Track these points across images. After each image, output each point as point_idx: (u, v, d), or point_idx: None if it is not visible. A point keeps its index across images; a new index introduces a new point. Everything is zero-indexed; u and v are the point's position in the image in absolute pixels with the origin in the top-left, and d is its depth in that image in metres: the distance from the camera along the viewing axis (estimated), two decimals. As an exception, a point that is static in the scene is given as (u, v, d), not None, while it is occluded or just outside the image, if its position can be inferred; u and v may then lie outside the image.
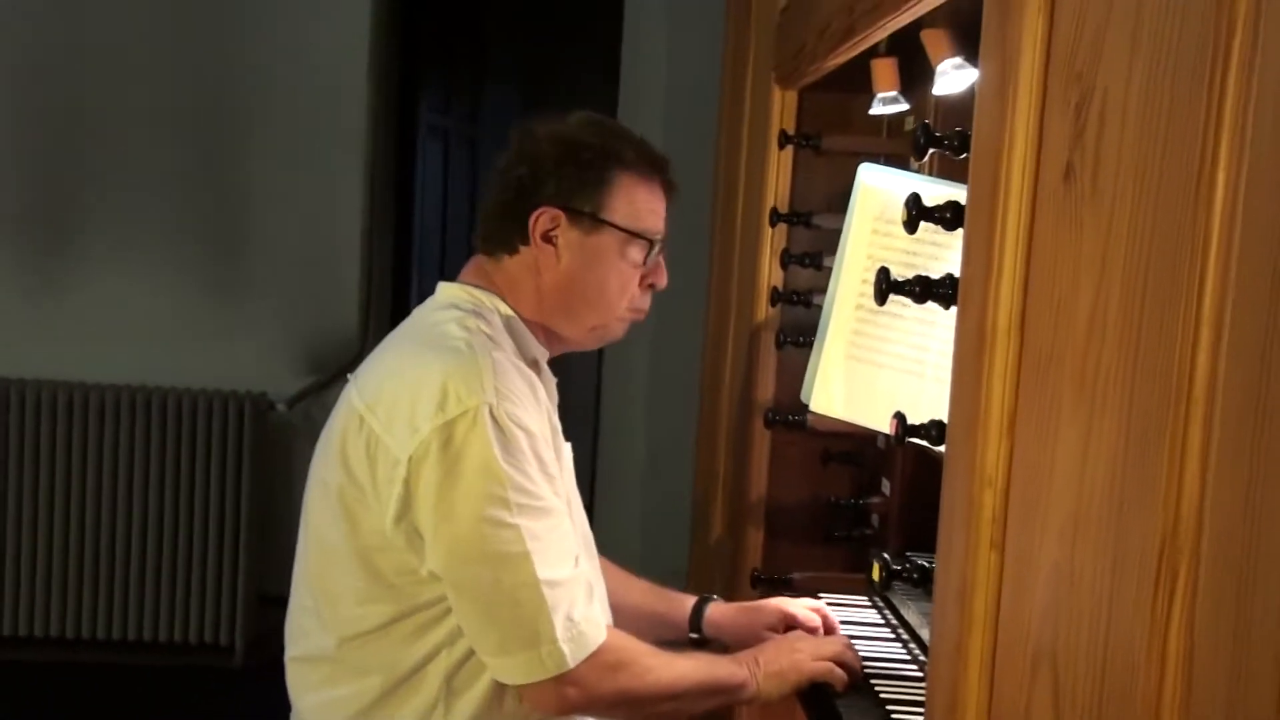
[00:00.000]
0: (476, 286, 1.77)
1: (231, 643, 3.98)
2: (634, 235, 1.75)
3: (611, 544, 3.64)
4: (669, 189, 1.82)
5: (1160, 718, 0.75)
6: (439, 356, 1.61)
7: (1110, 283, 0.89)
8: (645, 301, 1.83)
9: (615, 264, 1.76)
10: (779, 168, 2.37)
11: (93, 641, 3.97)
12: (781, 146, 2.35)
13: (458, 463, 1.55)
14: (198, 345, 4.10)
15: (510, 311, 1.75)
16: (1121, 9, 0.90)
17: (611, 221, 1.74)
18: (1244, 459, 0.68)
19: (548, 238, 1.73)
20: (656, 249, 1.79)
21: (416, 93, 4.86)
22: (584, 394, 4.61)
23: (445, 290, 1.79)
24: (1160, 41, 0.84)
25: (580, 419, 4.68)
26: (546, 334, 1.79)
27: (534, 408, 1.64)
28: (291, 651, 1.76)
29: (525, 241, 1.74)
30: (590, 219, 1.73)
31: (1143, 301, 0.83)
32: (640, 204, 1.76)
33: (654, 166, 1.79)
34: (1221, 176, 0.76)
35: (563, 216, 1.73)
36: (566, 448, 1.85)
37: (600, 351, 4.29)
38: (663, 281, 1.83)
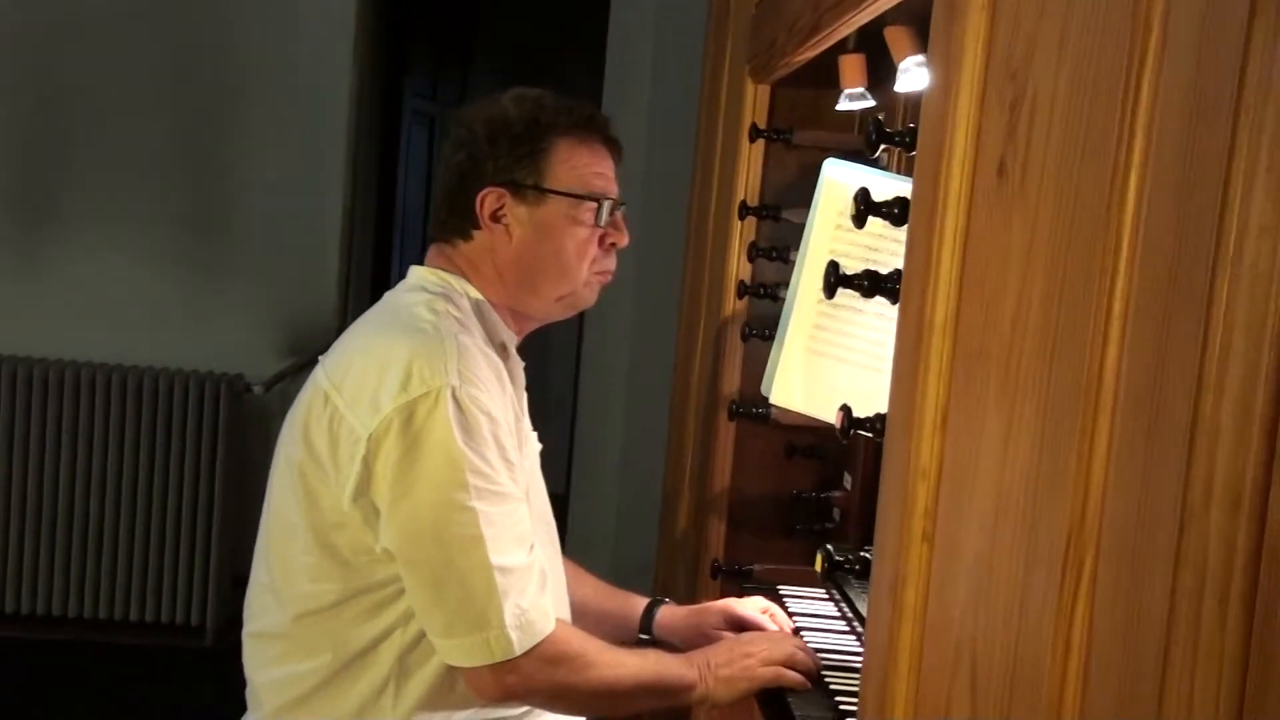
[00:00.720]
0: (445, 270, 1.78)
1: (203, 622, 3.99)
2: (581, 198, 1.76)
3: (586, 535, 3.66)
4: (612, 147, 1.82)
5: (1063, 704, 0.76)
6: (406, 337, 1.63)
7: (1033, 279, 0.90)
8: (610, 262, 1.83)
9: (568, 230, 1.76)
10: (750, 161, 2.38)
11: (64, 620, 3.97)
12: (753, 140, 2.36)
13: (417, 443, 1.56)
14: (175, 325, 4.10)
15: (478, 295, 1.76)
16: (1053, 10, 0.92)
17: (555, 189, 1.74)
18: (1139, 452, 0.69)
19: (496, 217, 1.74)
20: (608, 208, 1.78)
21: (402, 77, 4.86)
22: (562, 385, 4.63)
23: (416, 273, 1.80)
24: (1085, 42, 0.85)
25: (558, 410, 4.70)
26: (514, 315, 1.80)
27: (498, 393, 1.64)
28: (249, 627, 1.77)
29: (477, 225, 1.75)
30: (534, 191, 1.74)
31: (1060, 298, 0.84)
32: (582, 167, 1.76)
33: (589, 127, 1.79)
34: (1134, 178, 0.77)
35: (507, 194, 1.74)
36: (532, 437, 1.85)
37: (579, 343, 4.31)
38: (623, 240, 1.82)
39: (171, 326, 4.09)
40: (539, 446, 1.88)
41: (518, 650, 1.60)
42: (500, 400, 1.64)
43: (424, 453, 1.56)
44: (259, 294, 4.13)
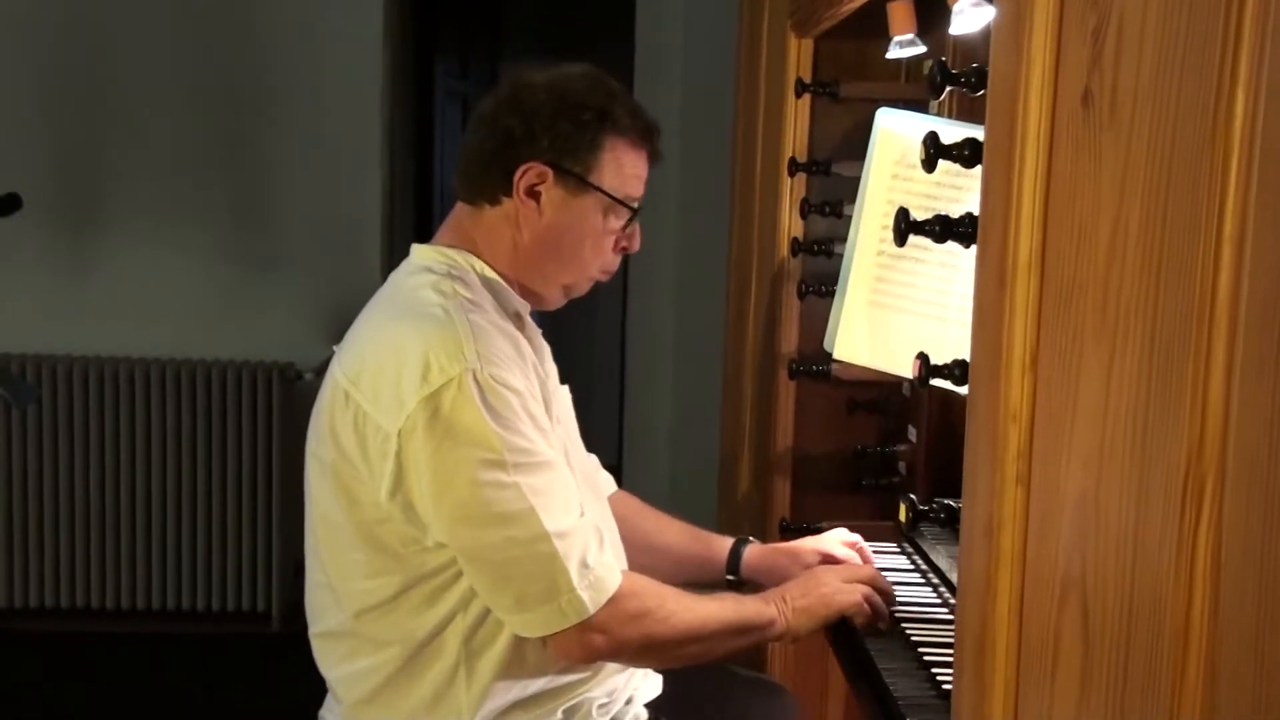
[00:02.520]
0: (451, 247, 1.75)
1: (268, 609, 4.03)
2: (617, 202, 1.74)
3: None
4: (655, 158, 1.80)
5: (1189, 631, 0.75)
6: (417, 325, 1.60)
7: (1130, 208, 0.88)
8: (615, 264, 1.82)
9: (595, 227, 1.74)
10: (796, 117, 2.36)
11: (131, 612, 4.02)
12: (798, 95, 2.33)
13: (448, 433, 1.54)
14: (224, 318, 4.12)
15: (486, 270, 1.73)
16: (1137, -70, 0.90)
17: (598, 186, 1.72)
18: (1268, 370, 0.68)
19: (532, 193, 1.71)
20: (635, 216, 1.77)
21: (433, 58, 4.85)
22: (609, 357, 4.63)
23: (419, 253, 1.77)
24: (1176, -40, 0.83)
25: (606, 382, 4.71)
26: (521, 290, 1.78)
27: (518, 364, 1.63)
28: (314, 628, 1.77)
29: (508, 194, 1.72)
30: (578, 180, 1.71)
31: (1163, 224, 0.82)
32: (627, 170, 1.75)
33: (645, 135, 1.77)
34: (1241, 95, 0.76)
35: (550, 174, 1.71)
36: (563, 391, 1.85)
37: (624, 310, 4.30)
38: (636, 246, 1.81)
39: (220, 319, 4.12)
40: (569, 400, 1.88)
41: (591, 609, 1.60)
42: (522, 371, 1.63)
43: (457, 442, 1.55)
44: (304, 282, 4.14)
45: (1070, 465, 0.99)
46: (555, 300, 1.82)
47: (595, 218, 1.74)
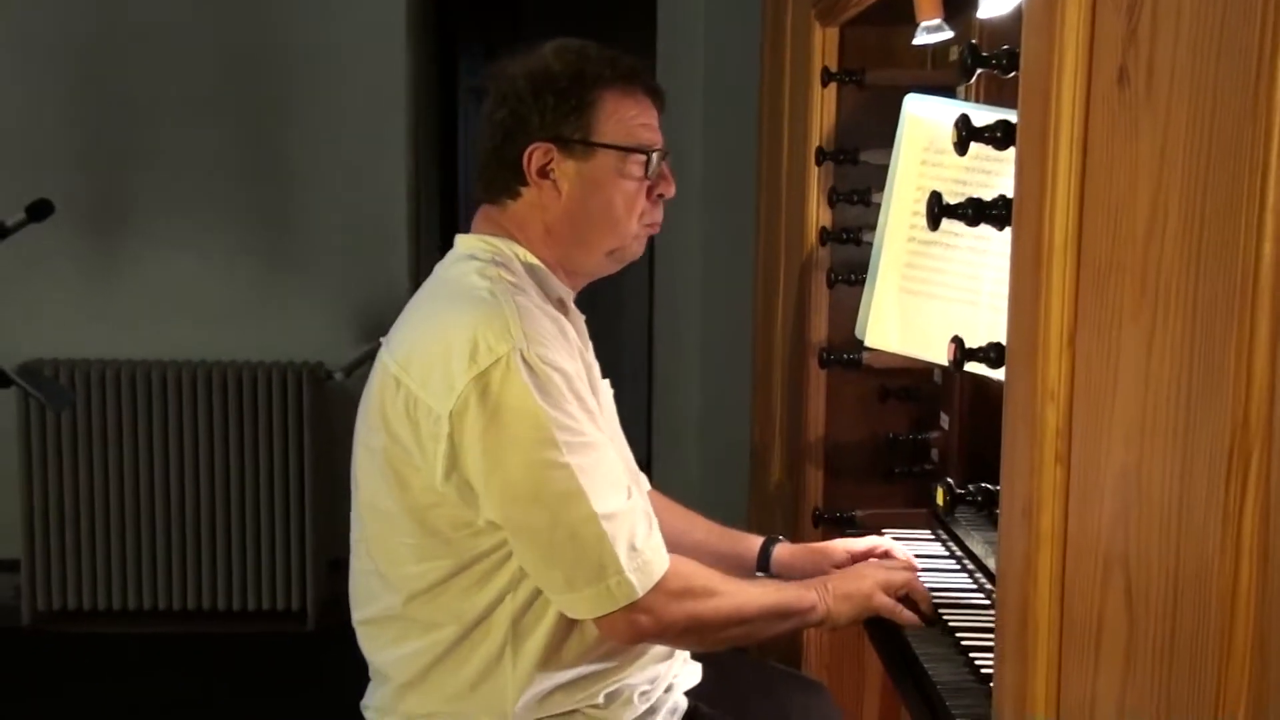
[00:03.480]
0: (492, 235, 1.77)
1: (304, 607, 4.05)
2: (630, 151, 1.74)
3: (670, 497, 3.64)
4: (655, 96, 1.79)
5: (1235, 604, 0.75)
6: (464, 308, 1.62)
7: (1170, 182, 0.88)
8: (658, 214, 1.81)
9: (617, 184, 1.74)
10: (823, 106, 2.36)
11: (168, 613, 4.05)
12: (824, 84, 2.33)
13: (499, 411, 1.56)
14: (254, 319, 4.15)
15: (529, 256, 1.75)
16: (1170, -95, 0.89)
17: (603, 143, 1.72)
18: (1313, 342, 0.68)
19: (544, 173, 1.72)
20: (656, 160, 1.76)
21: (456, 56, 4.87)
22: (636, 347, 4.63)
23: (463, 242, 1.79)
24: (1212, -66, 0.83)
25: (634, 379, 4.71)
26: (566, 273, 1.79)
27: (564, 347, 1.64)
28: (359, 615, 1.79)
29: (524, 182, 1.73)
30: (582, 145, 1.72)
31: (1204, 197, 0.82)
32: (628, 119, 1.74)
33: (632, 78, 1.76)
34: (1280, 65, 0.76)
35: (554, 149, 1.71)
36: (605, 385, 1.86)
37: (650, 303, 4.31)
38: (671, 191, 1.80)
39: (250, 320, 4.14)
40: (611, 395, 1.89)
41: (640, 591, 1.61)
42: (568, 354, 1.64)
43: (507, 420, 1.56)
44: (333, 281, 4.16)
45: (1111, 442, 0.99)
46: (606, 267, 1.81)
47: (614, 175, 1.74)
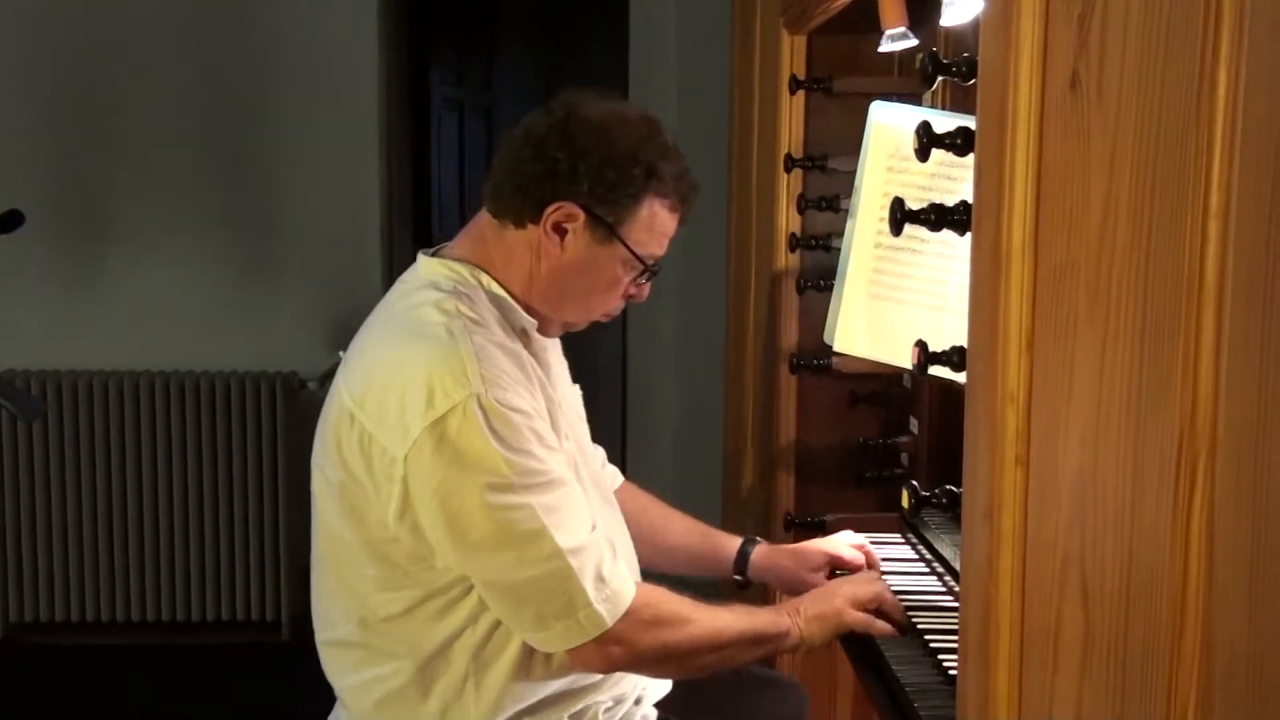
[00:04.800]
0: (461, 261, 1.73)
1: (278, 618, 4.04)
2: (639, 259, 1.73)
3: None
4: (685, 219, 1.79)
5: (1185, 601, 0.76)
6: (420, 347, 1.59)
7: (1119, 187, 0.90)
8: (619, 309, 1.82)
9: (612, 276, 1.73)
10: (791, 113, 2.38)
11: (141, 624, 4.03)
12: (793, 92, 2.35)
13: (455, 459, 1.54)
14: (226, 329, 4.14)
15: (494, 286, 1.72)
16: (1119, -86, 0.91)
17: (625, 241, 1.71)
18: (1254, 343, 0.69)
19: (559, 229, 1.69)
20: (651, 274, 1.77)
21: (428, 66, 4.87)
22: (611, 356, 4.64)
23: (425, 267, 1.74)
24: (1158, -58, 0.85)
25: (608, 381, 4.72)
26: (526, 309, 1.76)
27: (524, 384, 1.62)
28: (322, 635, 1.78)
29: (535, 222, 1.69)
30: (607, 230, 1.69)
31: (1151, 199, 0.84)
32: (658, 231, 1.73)
33: (685, 200, 1.76)
34: (1223, 73, 0.77)
35: (583, 217, 1.68)
36: (574, 391, 1.86)
37: (625, 312, 4.31)
38: (644, 297, 1.82)
39: (222, 330, 4.13)
40: (580, 402, 1.88)
41: (609, 621, 1.61)
42: (528, 390, 1.62)
43: (464, 467, 1.55)
44: (305, 291, 4.15)
45: (1067, 444, 1.00)
46: (553, 332, 1.82)
47: (614, 268, 1.73)
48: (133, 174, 4.05)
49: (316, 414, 1.74)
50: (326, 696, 1.84)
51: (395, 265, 4.29)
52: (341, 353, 1.74)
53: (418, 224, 4.68)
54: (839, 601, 1.79)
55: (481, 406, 1.54)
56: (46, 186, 4.01)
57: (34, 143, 4.02)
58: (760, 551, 2.04)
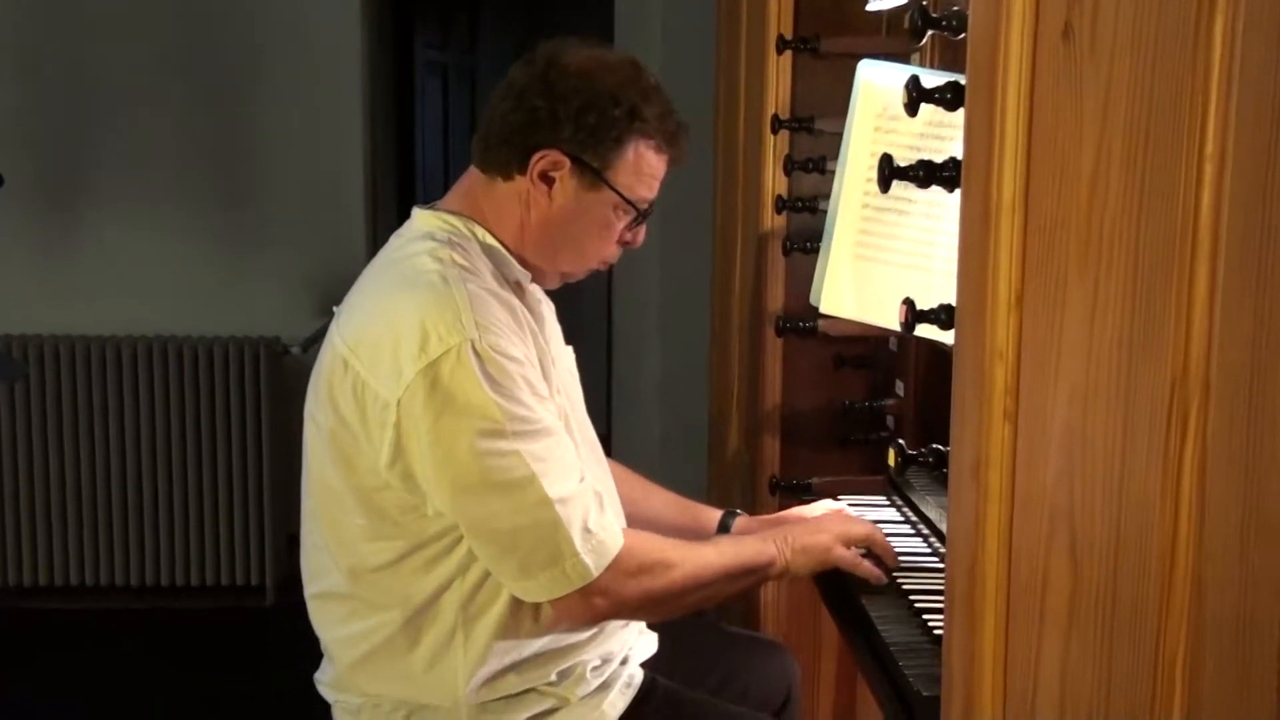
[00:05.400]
0: (454, 213, 1.74)
1: (262, 582, 4.03)
2: (629, 202, 1.72)
3: (629, 467, 3.66)
4: (677, 160, 1.78)
5: (1175, 551, 0.76)
6: (415, 293, 1.60)
7: (1112, 137, 0.89)
8: (615, 256, 1.81)
9: (603, 222, 1.73)
10: (778, 73, 2.35)
11: (125, 589, 4.02)
12: (780, 51, 2.33)
13: (448, 403, 1.54)
14: (210, 294, 4.11)
15: (488, 238, 1.72)
16: None
17: (613, 184, 1.70)
18: (1250, 286, 0.69)
19: (546, 178, 1.69)
20: (644, 217, 1.76)
21: (412, 29, 4.83)
22: (595, 317, 4.63)
23: (421, 220, 1.75)
24: (1153, -114, 0.84)
25: (593, 342, 4.71)
26: (520, 262, 1.76)
27: (517, 333, 1.62)
28: (310, 589, 1.78)
29: (522, 173, 1.70)
30: (594, 175, 1.69)
31: (1145, 149, 0.83)
32: (645, 172, 1.72)
33: (672, 140, 1.74)
34: (1220, 17, 0.76)
35: (568, 164, 1.68)
36: (568, 352, 1.85)
37: (609, 277, 4.30)
38: (639, 243, 1.81)
39: (206, 295, 4.11)
40: (573, 360, 1.88)
41: (595, 572, 1.61)
42: (520, 339, 1.63)
43: (457, 412, 1.55)
44: (289, 256, 4.13)
45: (1057, 399, 1.00)
46: (551, 282, 1.81)
47: (604, 213, 1.72)
48: (113, 138, 4.01)
49: (300, 379, 1.74)
50: (310, 660, 1.84)
51: (379, 229, 4.27)
52: (335, 308, 1.73)
53: (401, 188, 4.65)
54: (827, 537, 1.80)
55: (475, 351, 1.55)
56: (27, 150, 3.97)
57: (15, 106, 3.98)
58: (741, 522, 2.04)
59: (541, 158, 1.68)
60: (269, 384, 3.96)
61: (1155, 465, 0.80)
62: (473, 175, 1.77)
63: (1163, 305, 0.80)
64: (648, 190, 1.74)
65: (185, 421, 3.95)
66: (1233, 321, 0.71)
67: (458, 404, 1.54)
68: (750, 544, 1.79)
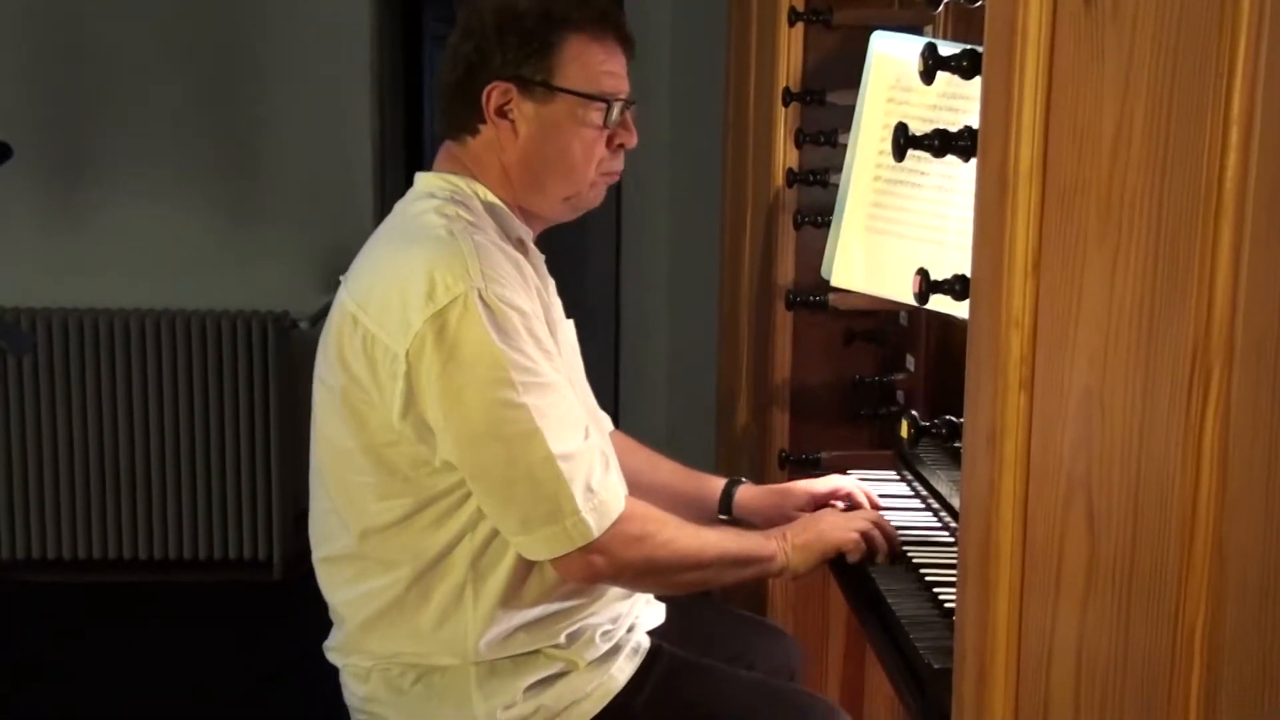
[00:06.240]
0: (452, 173, 1.75)
1: (270, 557, 4.04)
2: (591, 99, 1.71)
3: (637, 440, 3.65)
4: (625, 44, 1.76)
5: (1195, 517, 0.75)
6: (421, 246, 1.61)
7: (1134, 101, 0.88)
8: (617, 163, 1.79)
9: (575, 131, 1.71)
10: (790, 46, 2.34)
11: (133, 562, 4.03)
12: (791, 24, 2.31)
13: (456, 350, 1.55)
14: (218, 268, 4.10)
15: (488, 195, 1.73)
16: None
17: (565, 88, 1.69)
18: (1276, 250, 0.68)
19: (503, 113, 1.69)
20: (618, 109, 1.74)
21: (420, 3, 4.80)
22: (603, 300, 4.62)
23: (423, 180, 1.76)
24: None
25: (601, 320, 4.70)
26: (523, 214, 1.77)
27: (522, 287, 1.63)
28: (319, 553, 1.78)
29: (483, 120, 1.70)
30: (543, 88, 1.69)
31: (1169, 112, 0.82)
32: (594, 65, 1.71)
33: (602, 23, 1.73)
34: (1247, -24, 0.75)
35: (514, 89, 1.69)
36: (568, 325, 1.85)
37: (618, 249, 4.29)
38: (631, 141, 1.78)
39: (214, 270, 4.10)
40: (574, 334, 1.87)
41: (596, 532, 1.61)
42: (526, 293, 1.63)
43: (464, 359, 1.55)
44: (296, 230, 4.12)
45: (1074, 366, 0.99)
46: (562, 213, 1.80)
47: (572, 121, 1.71)
48: (123, 112, 4.00)
49: (307, 353, 1.74)
50: (319, 634, 1.84)
51: (387, 204, 4.24)
52: (341, 277, 1.73)
53: (409, 162, 4.64)
54: (824, 526, 1.81)
55: (483, 299, 1.55)
56: (36, 123, 3.95)
57: (24, 78, 3.96)
58: (745, 491, 2.04)
59: (489, 94, 1.69)
60: (277, 358, 3.95)
61: (1176, 432, 0.79)
62: (447, 147, 1.78)
63: (1185, 270, 0.79)
64: (607, 83, 1.73)
65: (194, 396, 3.95)
66: (1258, 287, 0.70)
67: (465, 352, 1.55)
68: (753, 538, 1.79)
